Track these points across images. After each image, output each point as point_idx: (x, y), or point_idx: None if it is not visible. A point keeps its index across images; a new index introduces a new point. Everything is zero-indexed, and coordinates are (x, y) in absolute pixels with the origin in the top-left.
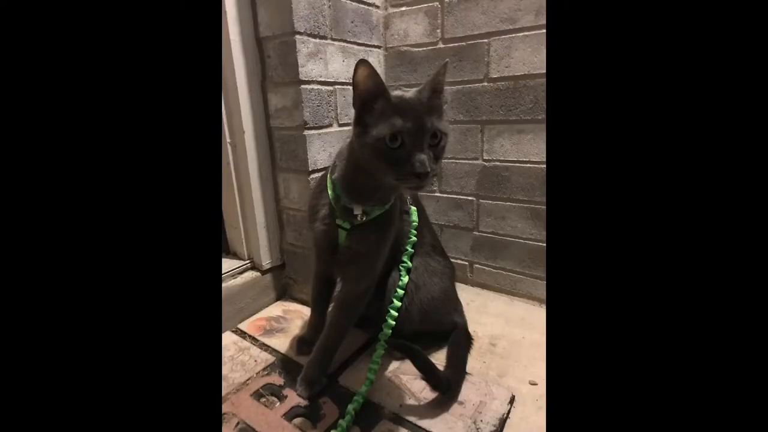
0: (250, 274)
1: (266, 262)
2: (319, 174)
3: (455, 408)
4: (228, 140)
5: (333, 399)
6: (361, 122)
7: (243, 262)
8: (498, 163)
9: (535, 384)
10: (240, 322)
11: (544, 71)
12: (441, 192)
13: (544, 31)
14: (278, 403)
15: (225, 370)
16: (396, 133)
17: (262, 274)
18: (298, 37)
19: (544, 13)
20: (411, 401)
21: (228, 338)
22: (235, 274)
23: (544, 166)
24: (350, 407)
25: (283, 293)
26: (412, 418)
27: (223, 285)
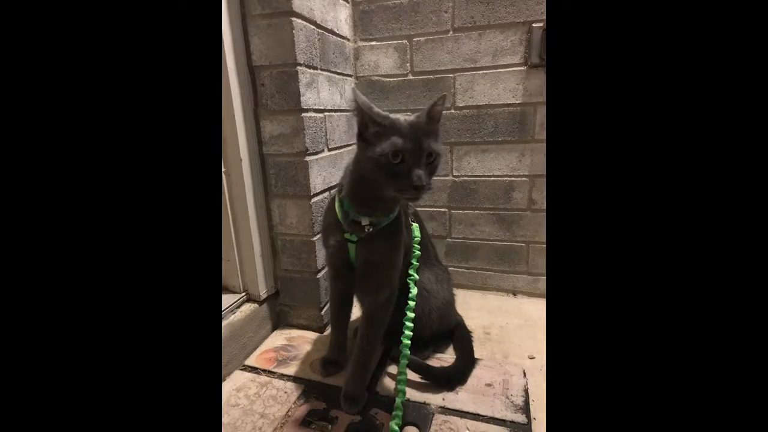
0: (248, 307)
1: (263, 292)
2: (319, 197)
3: (487, 390)
4: (223, 169)
5: (382, 408)
6: (362, 138)
7: (239, 296)
8: (466, 178)
9: (533, 357)
10: (246, 359)
11: (501, 102)
12: (416, 206)
13: (500, 70)
14: (331, 426)
15: (259, 407)
16: (397, 150)
17: (260, 305)
18: (299, 68)
19: (500, 55)
20: (449, 394)
21: (242, 377)
22: (233, 309)
23: (506, 178)
24: (392, 423)
25: (278, 322)
26: (458, 407)
27: (224, 322)
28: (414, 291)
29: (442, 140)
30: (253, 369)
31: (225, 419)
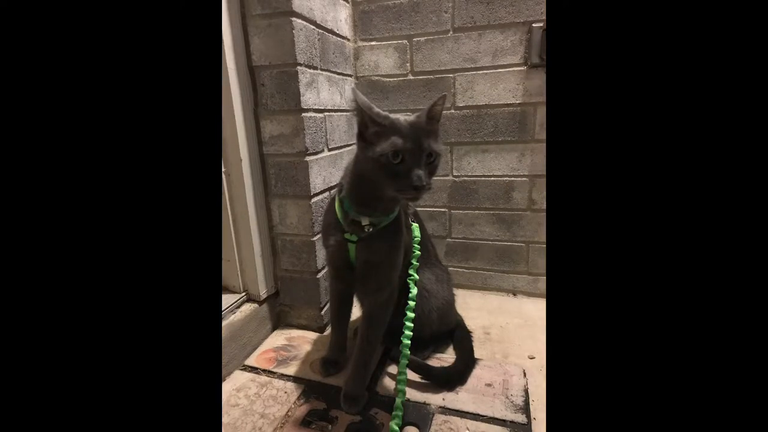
0: (248, 307)
1: (263, 292)
2: (319, 197)
3: (487, 390)
4: (223, 169)
5: (382, 408)
6: (362, 138)
7: (239, 296)
8: (466, 178)
9: (533, 357)
10: (246, 358)
11: (501, 102)
12: (416, 206)
13: (500, 70)
14: (331, 426)
15: (259, 407)
16: (397, 150)
17: (260, 305)
18: (299, 68)
19: (500, 55)
20: (449, 394)
21: (242, 377)
22: (233, 309)
23: (506, 178)
24: (392, 423)
25: (278, 322)
26: (458, 407)
27: (224, 322)
28: (414, 291)
29: (442, 140)
30: (253, 369)
31: (225, 419)
